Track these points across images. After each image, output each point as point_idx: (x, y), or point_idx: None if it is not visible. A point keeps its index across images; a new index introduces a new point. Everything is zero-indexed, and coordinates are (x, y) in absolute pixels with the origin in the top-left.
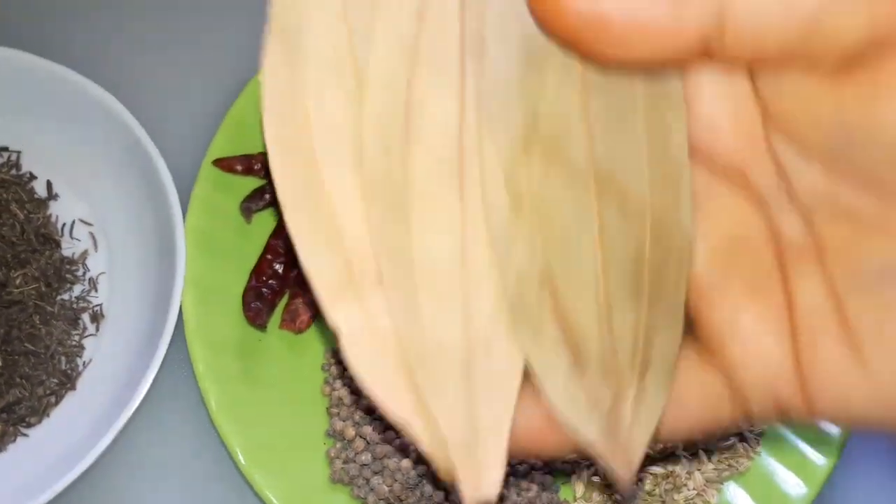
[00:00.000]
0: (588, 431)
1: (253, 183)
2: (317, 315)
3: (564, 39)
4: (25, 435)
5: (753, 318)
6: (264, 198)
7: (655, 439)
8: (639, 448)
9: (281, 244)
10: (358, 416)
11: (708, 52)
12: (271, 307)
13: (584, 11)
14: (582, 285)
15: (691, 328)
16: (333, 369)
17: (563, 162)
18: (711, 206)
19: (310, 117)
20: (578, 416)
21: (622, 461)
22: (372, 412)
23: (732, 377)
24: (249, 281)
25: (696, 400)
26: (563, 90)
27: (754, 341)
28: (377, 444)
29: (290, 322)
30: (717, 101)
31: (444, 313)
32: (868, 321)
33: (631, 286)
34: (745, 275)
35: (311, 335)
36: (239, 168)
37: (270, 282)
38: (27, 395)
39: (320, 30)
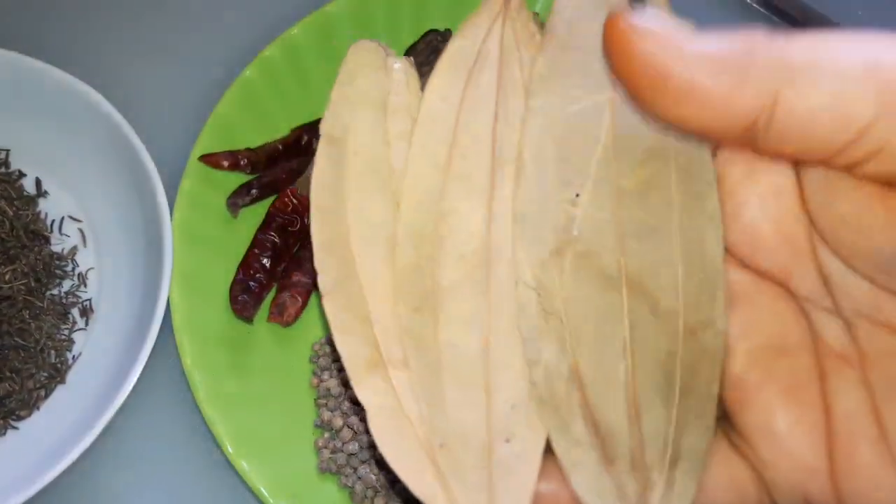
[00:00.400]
0: None
1: (239, 178)
2: (304, 307)
3: (626, 77)
4: (16, 428)
5: (789, 421)
6: (250, 193)
7: None
8: None
9: (268, 239)
10: (345, 406)
11: (753, 138)
12: (258, 300)
13: (650, 56)
14: (611, 383)
15: (726, 417)
16: (321, 361)
17: (595, 267)
18: (752, 307)
19: (350, 215)
20: None
21: None
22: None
23: (763, 475)
24: (237, 274)
25: (723, 491)
26: (598, 201)
27: (788, 444)
28: (364, 433)
29: (277, 315)
30: (761, 206)
31: (466, 401)
32: None
33: (662, 383)
34: (783, 377)
35: (299, 328)
36: (225, 164)
37: (258, 275)
38: (17, 388)
39: (363, 139)
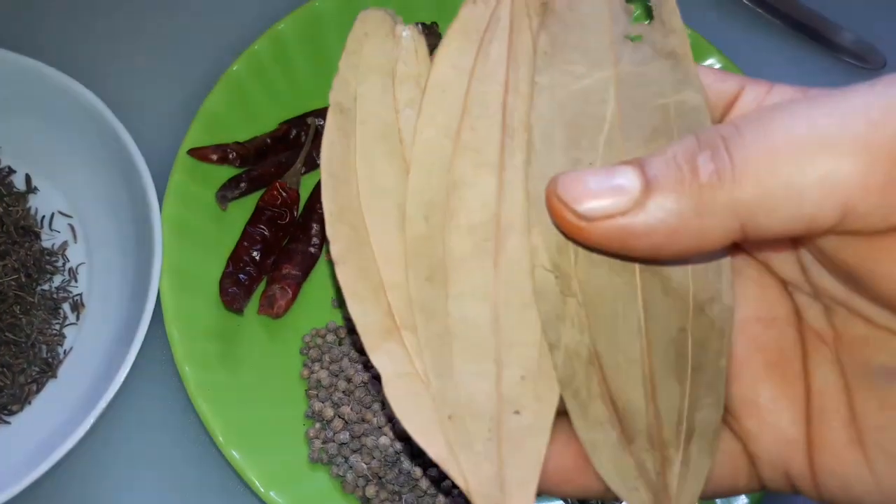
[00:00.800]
0: (636, 497)
1: (228, 172)
2: (294, 299)
3: (594, 245)
4: (7, 422)
5: (772, 394)
6: (240, 186)
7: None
8: None
9: (258, 232)
10: (336, 396)
11: (736, 244)
12: (248, 293)
13: (608, 228)
14: (628, 363)
15: None
16: (311, 352)
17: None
18: (742, 281)
19: (361, 183)
20: (626, 484)
21: None
22: (351, 393)
23: (748, 447)
24: (226, 267)
25: (717, 465)
26: None
27: (771, 416)
28: (355, 423)
29: (267, 307)
30: None
31: (476, 372)
32: (873, 420)
33: (675, 360)
34: (770, 349)
35: (289, 320)
36: (214, 157)
37: (247, 268)
38: (9, 383)
39: (372, 107)
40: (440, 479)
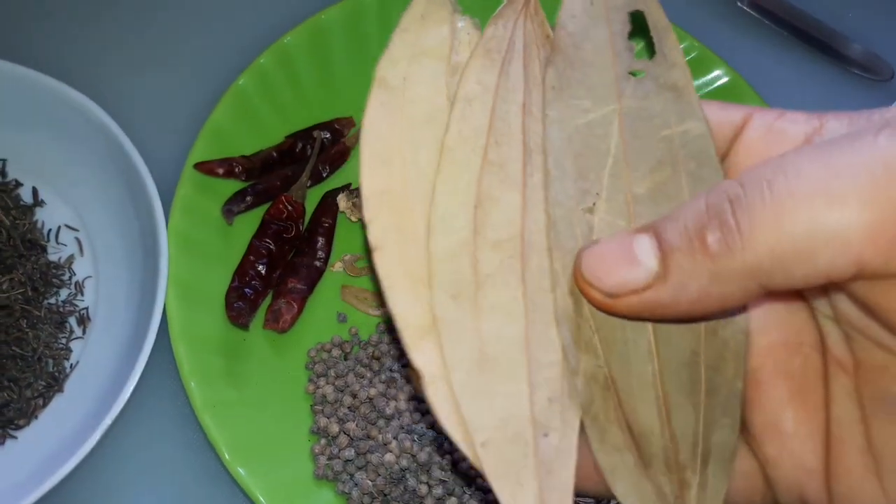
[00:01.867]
0: None
1: (234, 186)
2: (300, 314)
3: (626, 317)
4: (14, 437)
5: (794, 422)
6: (245, 200)
7: None
8: None
9: (264, 246)
10: (341, 412)
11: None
12: (254, 307)
13: (636, 303)
14: (641, 387)
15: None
16: (317, 367)
17: None
18: (772, 306)
19: (405, 167)
20: None
21: None
22: (355, 409)
23: (766, 471)
24: (232, 282)
25: (734, 484)
26: (613, 208)
27: (792, 444)
28: (360, 439)
29: (273, 322)
30: None
31: (509, 394)
32: (889, 448)
33: (688, 383)
34: (795, 376)
35: (295, 335)
36: (220, 171)
37: (253, 282)
38: (15, 397)
39: (422, 90)
40: (444, 497)
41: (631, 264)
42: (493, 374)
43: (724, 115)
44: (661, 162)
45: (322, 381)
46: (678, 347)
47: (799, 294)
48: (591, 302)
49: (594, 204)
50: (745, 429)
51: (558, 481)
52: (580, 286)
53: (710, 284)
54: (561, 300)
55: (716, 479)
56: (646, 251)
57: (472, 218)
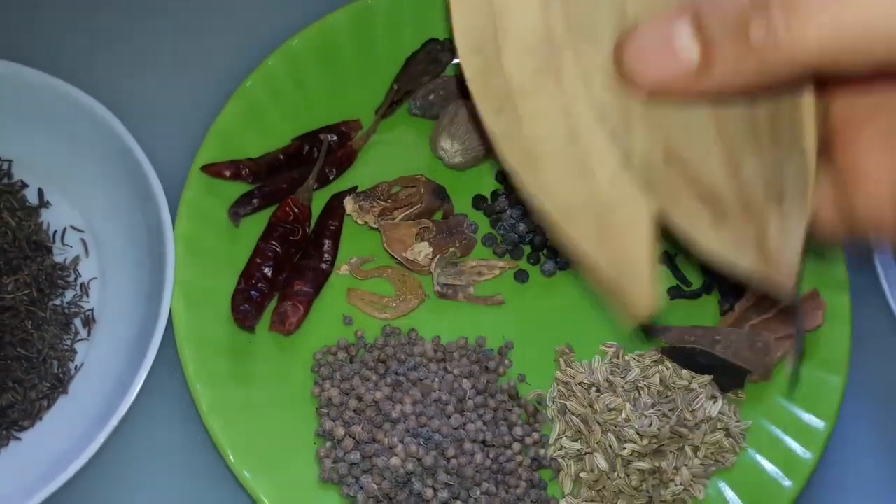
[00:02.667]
0: (745, 263)
1: (241, 188)
2: (306, 316)
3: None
4: (18, 438)
5: (879, 166)
6: (252, 202)
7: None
8: (793, 260)
9: (270, 248)
10: (347, 415)
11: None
12: (260, 310)
13: (681, 93)
14: (704, 148)
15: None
16: (322, 370)
17: None
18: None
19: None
20: (733, 254)
21: (782, 276)
22: (362, 412)
23: (840, 204)
24: (238, 284)
25: (816, 216)
26: None
27: (875, 184)
28: (366, 443)
29: (279, 324)
30: None
31: (566, 183)
32: None
33: (749, 134)
34: (884, 118)
35: (301, 337)
36: (227, 173)
37: (259, 285)
38: (20, 398)
39: None
40: (450, 501)
41: (672, 57)
42: (549, 168)
43: None
44: None
45: (328, 384)
46: (734, 103)
47: None
48: (636, 93)
49: None
50: (832, 165)
51: (632, 243)
52: (623, 77)
53: (755, 76)
54: (599, 96)
55: (794, 214)
56: (686, 42)
57: (493, 29)
